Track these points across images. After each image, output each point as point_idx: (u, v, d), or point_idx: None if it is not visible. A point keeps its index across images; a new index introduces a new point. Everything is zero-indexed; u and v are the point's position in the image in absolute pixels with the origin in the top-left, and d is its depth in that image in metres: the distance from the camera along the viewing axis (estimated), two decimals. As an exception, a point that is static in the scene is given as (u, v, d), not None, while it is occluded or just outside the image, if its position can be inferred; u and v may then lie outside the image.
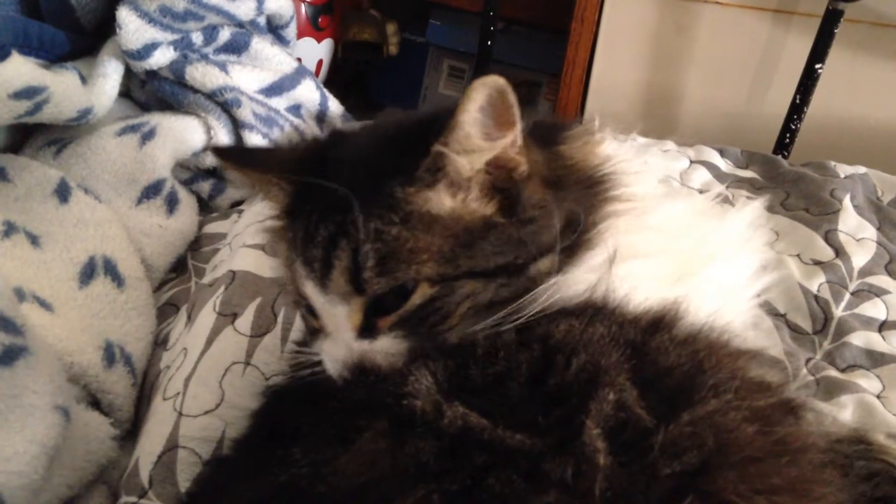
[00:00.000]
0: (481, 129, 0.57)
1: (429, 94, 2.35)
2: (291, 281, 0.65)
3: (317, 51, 2.00)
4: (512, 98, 0.56)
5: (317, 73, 2.00)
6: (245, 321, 0.87)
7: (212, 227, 1.20)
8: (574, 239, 0.61)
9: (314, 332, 0.65)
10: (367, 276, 0.57)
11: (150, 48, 1.19)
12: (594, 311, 0.57)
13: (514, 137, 0.59)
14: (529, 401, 0.50)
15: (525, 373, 0.52)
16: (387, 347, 0.59)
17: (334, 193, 0.58)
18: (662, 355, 0.53)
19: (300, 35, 1.79)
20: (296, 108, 1.44)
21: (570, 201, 0.62)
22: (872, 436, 0.67)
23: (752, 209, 0.78)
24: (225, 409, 0.77)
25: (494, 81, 0.54)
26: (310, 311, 0.64)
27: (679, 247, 0.67)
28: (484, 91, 0.54)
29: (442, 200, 0.59)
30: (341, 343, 0.60)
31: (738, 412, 0.50)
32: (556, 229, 0.60)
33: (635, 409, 0.49)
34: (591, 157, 0.67)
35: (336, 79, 2.14)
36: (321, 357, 0.63)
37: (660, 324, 0.57)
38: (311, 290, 0.61)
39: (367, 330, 0.60)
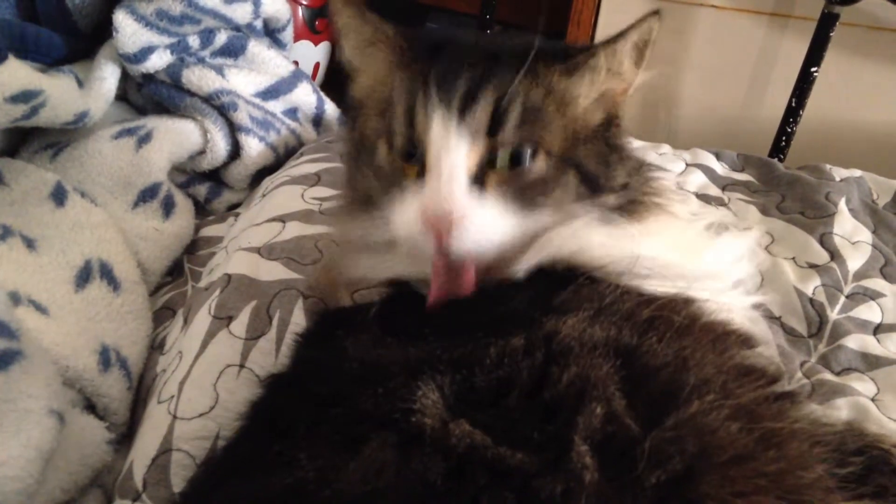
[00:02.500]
0: (627, 57, 0.67)
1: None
2: (392, 117, 0.65)
3: (313, 54, 2.00)
4: (650, 47, 0.66)
5: (313, 77, 2.00)
6: (240, 324, 0.86)
7: (208, 231, 1.20)
8: (626, 200, 0.68)
9: (392, 186, 0.65)
10: (510, 123, 0.62)
11: (147, 52, 1.19)
12: (599, 306, 0.59)
13: (634, 82, 0.69)
14: (528, 414, 0.50)
15: (525, 380, 0.52)
16: (491, 205, 0.62)
17: (476, 53, 0.65)
18: (651, 357, 0.54)
19: (297, 38, 1.80)
20: (292, 112, 1.44)
21: (629, 161, 0.70)
22: (867, 427, 0.67)
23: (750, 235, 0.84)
24: (219, 412, 0.77)
25: (652, 28, 0.65)
26: (401, 156, 0.65)
27: (687, 240, 0.73)
28: (644, 28, 0.65)
29: (579, 91, 0.66)
30: (447, 181, 0.61)
31: (720, 411, 0.50)
32: (625, 176, 0.68)
33: (624, 419, 0.49)
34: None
35: (333, 82, 2.14)
36: (393, 215, 0.64)
37: (656, 320, 0.58)
38: (436, 119, 0.62)
39: (476, 181, 0.62)
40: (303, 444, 0.52)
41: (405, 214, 0.63)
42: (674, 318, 0.58)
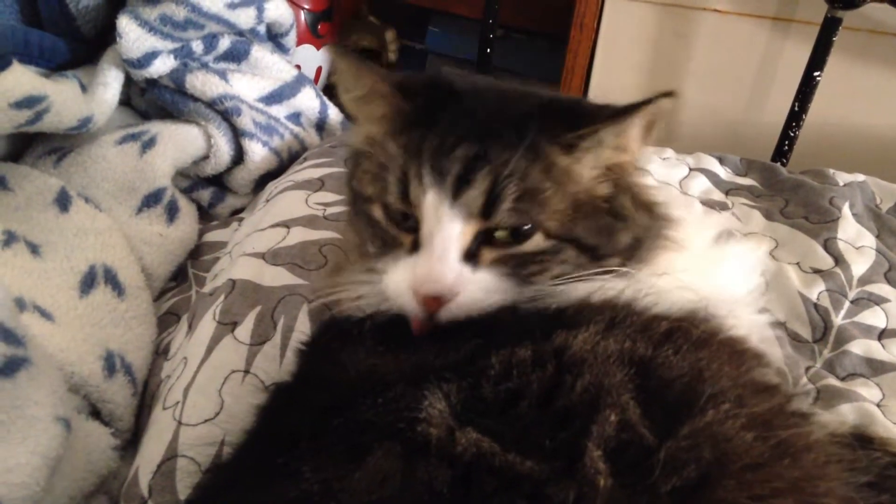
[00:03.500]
0: (635, 136, 0.66)
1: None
2: (386, 187, 0.65)
3: (316, 58, 2.00)
4: (658, 125, 0.65)
5: (316, 80, 2.00)
6: (244, 330, 0.87)
7: (212, 236, 1.21)
8: (634, 254, 0.67)
9: (387, 248, 0.66)
10: (505, 205, 0.61)
11: (151, 57, 1.20)
12: (612, 317, 0.58)
13: (641, 154, 0.68)
14: (538, 423, 0.50)
15: (536, 391, 0.52)
16: (485, 281, 0.62)
17: (474, 121, 0.64)
18: (666, 368, 0.53)
19: (299, 42, 1.79)
20: (295, 116, 1.44)
21: (638, 225, 0.68)
22: (873, 431, 0.68)
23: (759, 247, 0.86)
24: (224, 418, 0.77)
25: (663, 108, 0.63)
26: (396, 222, 0.66)
27: (698, 260, 0.73)
28: (655, 110, 0.62)
29: (581, 171, 0.65)
30: (439, 260, 0.61)
31: (735, 420, 0.50)
32: (630, 238, 0.67)
33: (638, 428, 0.49)
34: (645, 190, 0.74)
35: (335, 86, 2.14)
36: (387, 278, 0.64)
37: (674, 333, 0.58)
38: (430, 198, 0.61)
39: (471, 257, 0.62)
40: (306, 456, 0.52)
41: (398, 282, 0.63)
42: (692, 330, 0.58)
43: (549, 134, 0.63)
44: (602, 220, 0.66)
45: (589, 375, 0.52)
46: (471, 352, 0.57)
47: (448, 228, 0.61)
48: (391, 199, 0.65)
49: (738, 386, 0.54)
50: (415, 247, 0.64)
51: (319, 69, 2.03)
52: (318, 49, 1.99)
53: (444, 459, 0.48)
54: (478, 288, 0.62)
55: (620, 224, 0.66)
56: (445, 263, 0.61)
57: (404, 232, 0.65)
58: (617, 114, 0.63)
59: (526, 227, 0.62)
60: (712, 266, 0.74)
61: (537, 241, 0.63)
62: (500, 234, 0.62)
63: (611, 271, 0.65)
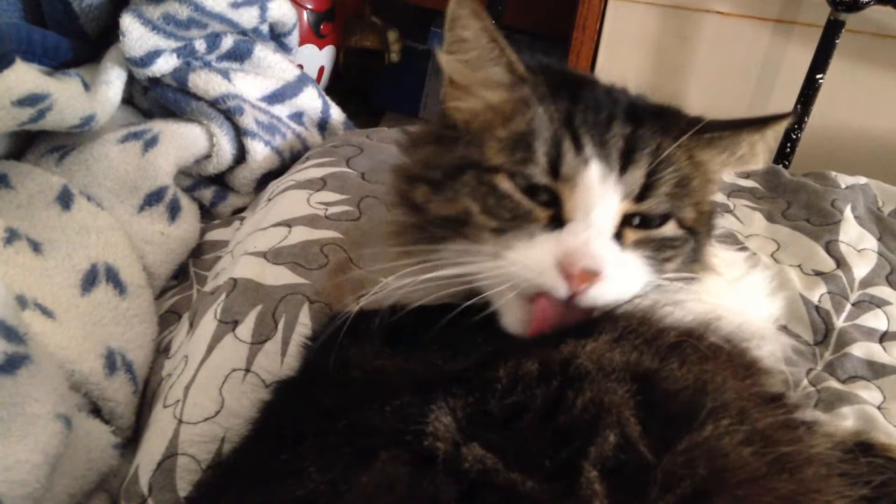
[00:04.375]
0: (764, 144, 0.69)
1: (430, 101, 2.35)
2: (529, 156, 0.62)
3: (318, 57, 2.00)
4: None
5: (318, 80, 2.01)
6: (246, 328, 0.87)
7: (213, 235, 1.21)
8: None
9: (517, 222, 0.62)
10: (662, 189, 0.62)
11: (153, 55, 1.20)
12: (625, 326, 0.58)
13: (766, 162, 0.71)
14: (540, 439, 0.50)
15: (540, 405, 0.51)
16: (629, 261, 0.62)
17: (617, 104, 0.65)
18: (671, 381, 0.53)
19: (302, 42, 1.80)
20: (298, 116, 1.44)
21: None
22: (875, 437, 0.68)
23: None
24: (225, 416, 0.77)
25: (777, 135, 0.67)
26: (530, 194, 0.63)
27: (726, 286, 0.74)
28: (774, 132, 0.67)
29: (714, 167, 0.68)
30: (597, 236, 0.60)
31: (734, 436, 0.49)
32: (696, 249, 0.69)
33: (638, 446, 0.48)
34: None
35: (337, 85, 2.14)
36: (514, 254, 0.61)
37: (682, 344, 0.57)
38: (591, 171, 0.60)
39: (617, 237, 0.62)
40: (311, 455, 0.52)
41: (537, 258, 0.60)
42: (701, 342, 0.58)
43: (692, 127, 0.64)
44: (708, 223, 0.69)
45: (590, 392, 0.51)
46: (480, 360, 0.56)
47: (608, 204, 0.60)
48: (534, 170, 0.62)
49: (743, 399, 0.53)
50: (554, 222, 0.62)
51: (322, 69, 2.03)
52: (320, 49, 2.00)
53: (450, 474, 0.48)
54: (625, 269, 0.61)
55: (707, 231, 0.70)
56: (602, 240, 0.60)
57: (540, 206, 0.62)
58: (758, 120, 0.66)
59: (671, 214, 0.63)
60: (738, 291, 0.75)
61: (674, 227, 0.64)
62: (643, 219, 0.63)
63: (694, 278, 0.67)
